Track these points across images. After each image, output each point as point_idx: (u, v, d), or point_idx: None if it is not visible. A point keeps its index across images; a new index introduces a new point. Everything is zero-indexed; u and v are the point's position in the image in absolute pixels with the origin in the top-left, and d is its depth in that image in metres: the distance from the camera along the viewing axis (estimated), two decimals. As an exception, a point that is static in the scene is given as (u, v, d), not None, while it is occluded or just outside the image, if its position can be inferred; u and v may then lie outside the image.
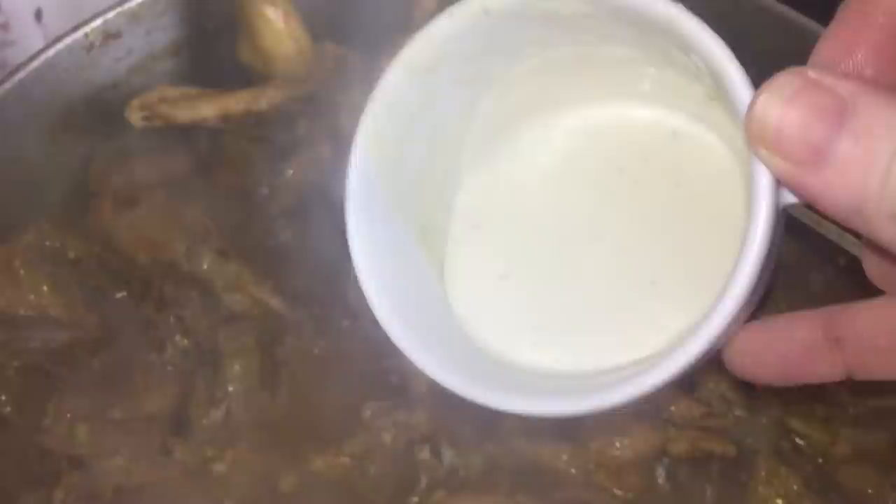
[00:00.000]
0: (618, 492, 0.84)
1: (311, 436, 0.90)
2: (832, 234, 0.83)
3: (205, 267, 0.94)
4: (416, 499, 0.84)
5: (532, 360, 0.54)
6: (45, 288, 0.95)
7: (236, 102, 1.03)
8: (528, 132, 0.58)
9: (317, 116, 1.08)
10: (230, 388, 0.92)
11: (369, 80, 1.02)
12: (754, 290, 0.45)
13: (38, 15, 1.31)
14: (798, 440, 0.86)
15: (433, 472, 0.85)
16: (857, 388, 0.86)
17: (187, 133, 1.13)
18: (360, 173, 0.56)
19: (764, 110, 0.41)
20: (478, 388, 0.52)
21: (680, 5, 0.47)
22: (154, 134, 1.12)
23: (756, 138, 0.41)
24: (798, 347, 0.54)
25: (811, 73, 0.40)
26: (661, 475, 0.85)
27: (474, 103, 0.57)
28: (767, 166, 0.42)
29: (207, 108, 1.01)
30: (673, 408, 0.86)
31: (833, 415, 0.87)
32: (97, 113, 1.08)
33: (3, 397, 0.92)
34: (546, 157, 0.58)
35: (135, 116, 0.99)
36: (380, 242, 0.56)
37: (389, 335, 0.53)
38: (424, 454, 0.86)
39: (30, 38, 1.34)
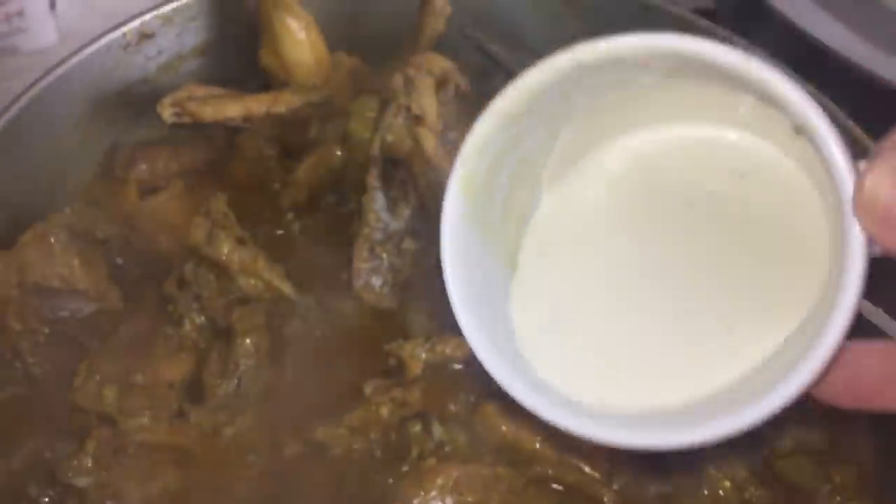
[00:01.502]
0: (587, 470, 0.94)
1: (314, 409, 1.00)
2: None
3: (224, 251, 1.03)
4: (406, 467, 0.94)
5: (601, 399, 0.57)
6: (75, 263, 1.04)
7: (258, 105, 1.13)
8: (604, 154, 0.58)
9: (328, 120, 1.18)
10: (241, 363, 1.01)
11: (379, 89, 1.14)
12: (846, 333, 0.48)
13: (53, 4, 1.40)
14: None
15: (424, 444, 0.95)
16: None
17: (206, 129, 1.22)
18: (454, 217, 0.57)
19: (874, 188, 0.43)
20: (581, 421, 0.56)
21: (773, 68, 0.48)
22: (176, 128, 1.22)
23: (864, 210, 0.44)
24: (871, 377, 0.53)
25: None
26: (624, 457, 0.95)
27: (556, 133, 0.59)
28: (869, 232, 0.45)
29: (232, 109, 1.10)
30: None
31: (781, 413, 0.98)
32: (127, 106, 1.18)
33: (33, 359, 1.01)
34: (616, 182, 0.58)
35: (166, 112, 1.09)
36: (475, 282, 0.57)
37: (487, 369, 0.56)
38: (416, 428, 0.96)
39: (43, 26, 1.43)
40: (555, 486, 0.94)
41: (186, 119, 1.09)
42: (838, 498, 0.94)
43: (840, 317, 0.47)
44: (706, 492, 0.93)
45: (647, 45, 0.51)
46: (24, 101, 1.04)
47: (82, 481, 0.88)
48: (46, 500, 0.87)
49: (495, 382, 0.56)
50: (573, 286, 0.58)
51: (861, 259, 0.47)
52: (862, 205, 0.44)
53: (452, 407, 0.97)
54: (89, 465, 0.87)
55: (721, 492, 0.92)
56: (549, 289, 0.59)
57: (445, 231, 0.56)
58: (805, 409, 0.96)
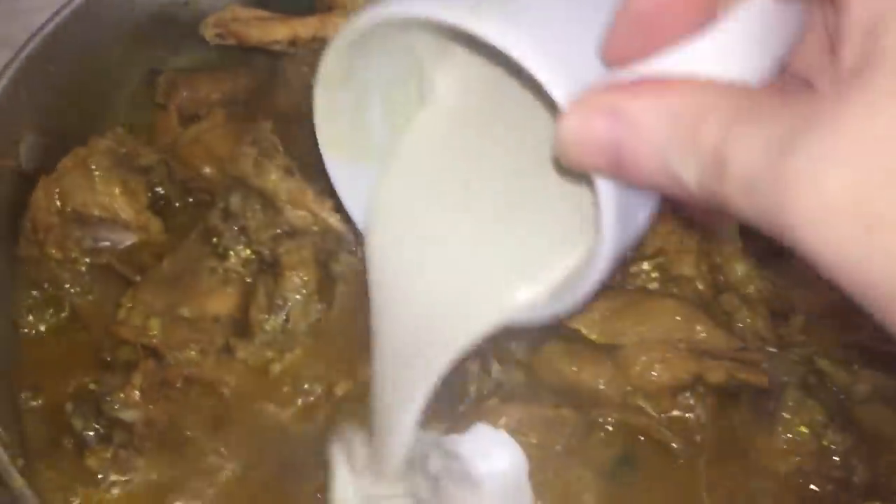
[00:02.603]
0: (653, 413, 0.90)
1: (364, 346, 0.95)
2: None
3: (272, 181, 0.98)
4: (463, 407, 0.89)
5: None
6: (116, 191, 1.00)
7: (305, 28, 1.07)
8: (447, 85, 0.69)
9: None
10: (289, 298, 0.97)
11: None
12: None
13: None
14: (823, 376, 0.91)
15: (482, 383, 0.91)
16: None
17: (247, 57, 1.17)
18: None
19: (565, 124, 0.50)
20: None
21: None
22: (218, 55, 1.17)
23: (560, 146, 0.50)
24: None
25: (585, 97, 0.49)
26: (694, 401, 0.91)
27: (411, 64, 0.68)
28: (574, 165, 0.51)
29: (279, 31, 1.05)
30: (710, 340, 0.91)
31: (857, 357, 0.93)
32: (167, 29, 1.12)
33: (74, 290, 0.97)
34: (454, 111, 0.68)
35: (210, 33, 1.03)
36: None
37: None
38: (475, 367, 0.91)
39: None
40: (620, 429, 0.90)
41: (231, 40, 1.04)
42: (920, 447, 0.88)
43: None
44: (781, 438, 0.87)
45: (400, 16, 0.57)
46: (59, 19, 0.99)
47: (129, 415, 0.84)
48: (91, 433, 0.84)
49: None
50: (424, 183, 0.70)
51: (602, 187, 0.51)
52: (558, 143, 0.51)
53: (512, 346, 0.93)
54: (137, 397, 0.84)
55: (797, 437, 0.87)
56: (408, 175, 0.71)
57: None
58: (884, 354, 0.95)
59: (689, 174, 0.46)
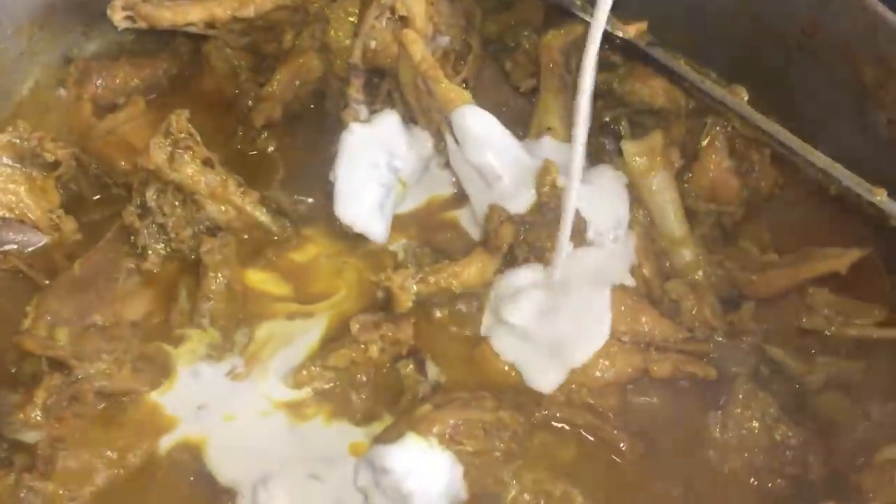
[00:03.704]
0: (598, 410, 0.85)
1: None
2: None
3: (189, 174, 0.91)
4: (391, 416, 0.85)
5: None
6: (22, 189, 0.93)
7: (223, 8, 0.99)
8: None
9: (304, 26, 1.05)
10: (213, 300, 0.91)
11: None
12: None
13: None
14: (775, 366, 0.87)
15: (417, 386, 0.85)
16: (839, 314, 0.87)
17: (168, 40, 1.09)
18: None
19: None
20: None
21: None
22: (135, 39, 1.09)
23: None
24: None
25: None
26: (640, 396, 0.86)
27: None
28: None
29: (193, 12, 0.97)
30: (656, 332, 0.86)
31: (810, 344, 0.88)
32: (78, 12, 1.04)
33: (-22, 299, 0.91)
34: None
35: (117, 16, 0.95)
36: None
37: None
38: (408, 369, 0.86)
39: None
40: (565, 428, 0.85)
41: (142, 24, 0.96)
42: (876, 437, 0.84)
43: None
44: (731, 434, 0.83)
45: None
46: (-46, 5, 0.91)
47: (31, 436, 0.78)
48: (-10, 458, 0.78)
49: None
50: None
51: None
52: None
53: (448, 345, 0.87)
54: (38, 418, 0.77)
55: (748, 433, 0.83)
56: None
57: None
58: (840, 340, 0.90)
59: None
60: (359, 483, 0.77)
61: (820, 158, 0.85)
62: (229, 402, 0.85)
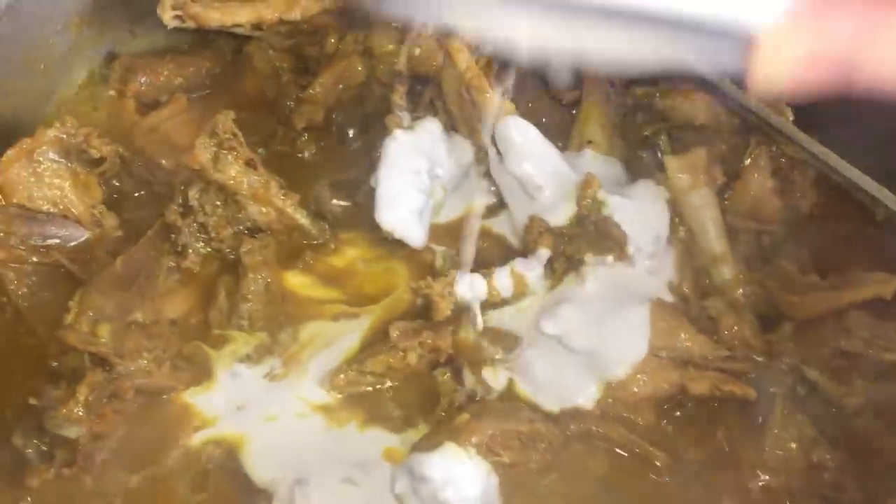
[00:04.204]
0: (633, 425, 0.85)
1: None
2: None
3: (232, 175, 0.92)
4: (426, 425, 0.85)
5: None
6: (67, 185, 0.94)
7: (270, 10, 1.00)
8: None
9: (348, 31, 1.06)
10: (251, 300, 0.91)
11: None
12: None
13: None
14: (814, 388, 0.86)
15: (453, 395, 0.86)
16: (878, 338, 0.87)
17: (211, 39, 1.10)
18: None
19: None
20: None
21: None
22: (178, 38, 1.10)
23: None
24: None
25: None
26: (677, 413, 0.86)
27: None
28: None
29: (242, 13, 0.98)
30: (694, 349, 0.86)
31: (848, 367, 0.88)
32: (124, 9, 1.05)
33: (20, 291, 0.91)
34: None
35: (167, 16, 0.96)
36: None
37: None
38: (446, 377, 0.86)
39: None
40: (599, 443, 0.85)
41: (190, 24, 0.97)
42: (915, 462, 0.84)
43: None
44: (768, 454, 0.83)
45: None
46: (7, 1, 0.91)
47: (73, 431, 0.78)
48: (31, 451, 0.78)
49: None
50: None
51: None
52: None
53: (487, 353, 0.88)
54: (80, 413, 0.78)
55: (786, 453, 0.83)
56: None
57: None
58: (878, 363, 0.90)
59: None
60: (396, 490, 0.78)
61: (867, 182, 0.85)
62: (269, 402, 0.85)
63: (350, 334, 0.90)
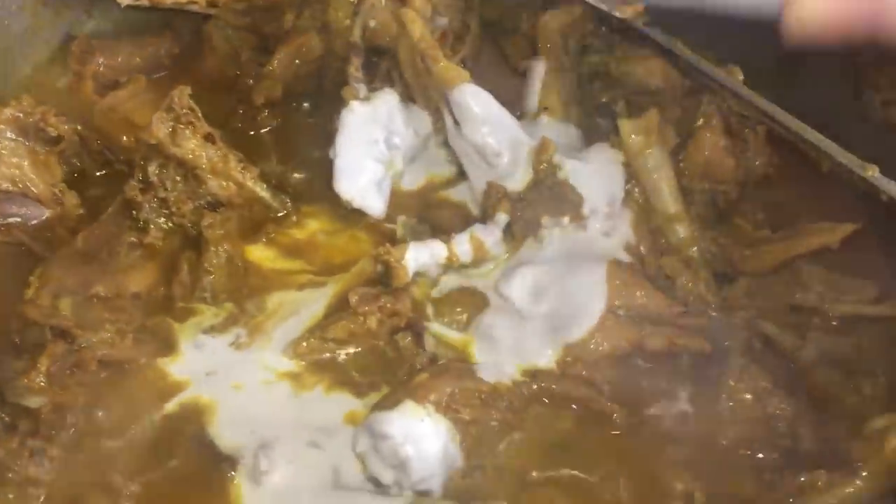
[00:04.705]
0: (593, 383, 0.86)
1: (294, 321, 0.91)
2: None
3: (190, 149, 0.93)
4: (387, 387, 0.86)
5: None
6: (26, 164, 0.94)
7: (225, -14, 1.01)
8: None
9: (305, 6, 1.07)
10: (213, 273, 0.92)
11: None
12: None
13: None
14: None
15: (415, 358, 0.87)
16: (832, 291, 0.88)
17: (169, 19, 1.11)
18: None
19: None
20: None
21: None
22: (137, 18, 1.10)
23: None
24: None
25: None
26: (635, 368, 0.87)
27: None
28: None
29: (196, -9, 0.99)
30: (650, 306, 0.88)
31: (803, 320, 0.89)
32: (80, -10, 1.06)
33: (-18, 269, 0.92)
34: None
35: (121, -5, 0.97)
36: None
37: None
38: (407, 340, 0.87)
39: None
40: (559, 401, 0.86)
41: (143, 3, 0.97)
42: (866, 411, 0.85)
43: None
44: (724, 406, 0.84)
45: None
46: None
47: (34, 401, 0.79)
48: (-7, 422, 0.79)
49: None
50: None
51: None
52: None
53: (446, 316, 0.89)
54: (41, 383, 0.78)
55: (741, 406, 0.84)
56: None
57: None
58: (831, 317, 0.91)
59: None
60: (357, 449, 0.79)
61: (813, 135, 0.86)
62: (235, 370, 0.86)
63: (314, 303, 0.91)
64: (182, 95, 0.93)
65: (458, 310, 0.90)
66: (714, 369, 0.86)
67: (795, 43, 0.59)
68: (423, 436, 0.77)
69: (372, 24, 1.00)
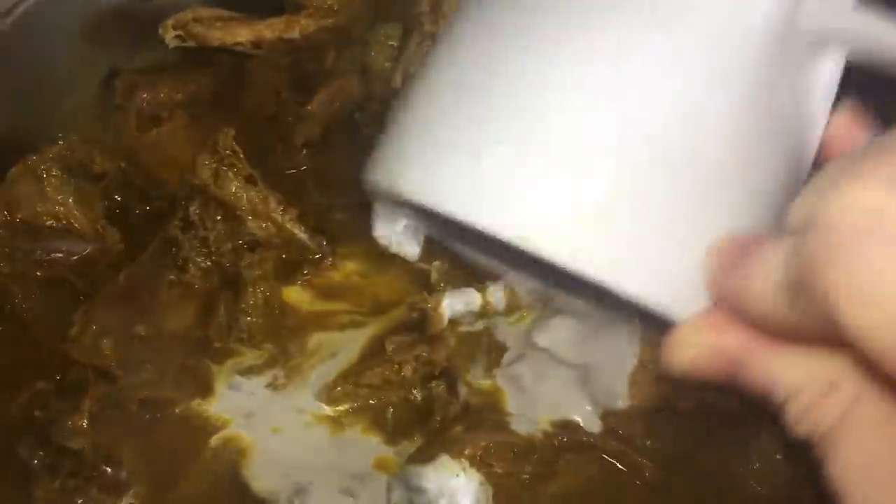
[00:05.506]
0: (624, 436, 0.87)
1: (330, 364, 0.92)
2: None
3: (232, 191, 0.94)
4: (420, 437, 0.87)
5: None
6: (70, 200, 0.96)
7: (269, 30, 1.03)
8: None
9: (346, 49, 1.08)
10: (250, 314, 0.93)
11: (402, 15, 1.05)
12: None
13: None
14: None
15: (448, 407, 0.88)
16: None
17: (209, 56, 1.12)
18: None
19: None
20: None
21: None
22: (180, 55, 1.12)
23: None
24: None
25: None
26: (666, 423, 0.88)
27: None
28: None
29: (242, 33, 1.01)
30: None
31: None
32: (126, 27, 1.07)
33: (24, 305, 0.93)
34: None
35: (169, 35, 0.99)
36: None
37: None
38: (440, 388, 0.88)
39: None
40: (590, 453, 0.87)
41: (191, 42, 0.99)
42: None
43: None
44: (757, 464, 0.85)
45: None
46: (11, 18, 0.94)
47: (78, 442, 0.80)
48: (36, 462, 0.80)
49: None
50: None
51: None
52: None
53: (481, 365, 0.90)
54: (85, 425, 0.80)
55: (773, 465, 0.85)
56: None
57: None
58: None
59: None
60: (393, 500, 0.80)
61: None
62: (274, 412, 0.87)
63: (353, 344, 0.92)
64: (227, 138, 0.95)
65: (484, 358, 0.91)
66: (744, 428, 0.87)
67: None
68: (457, 490, 0.78)
69: (412, 70, 1.02)
